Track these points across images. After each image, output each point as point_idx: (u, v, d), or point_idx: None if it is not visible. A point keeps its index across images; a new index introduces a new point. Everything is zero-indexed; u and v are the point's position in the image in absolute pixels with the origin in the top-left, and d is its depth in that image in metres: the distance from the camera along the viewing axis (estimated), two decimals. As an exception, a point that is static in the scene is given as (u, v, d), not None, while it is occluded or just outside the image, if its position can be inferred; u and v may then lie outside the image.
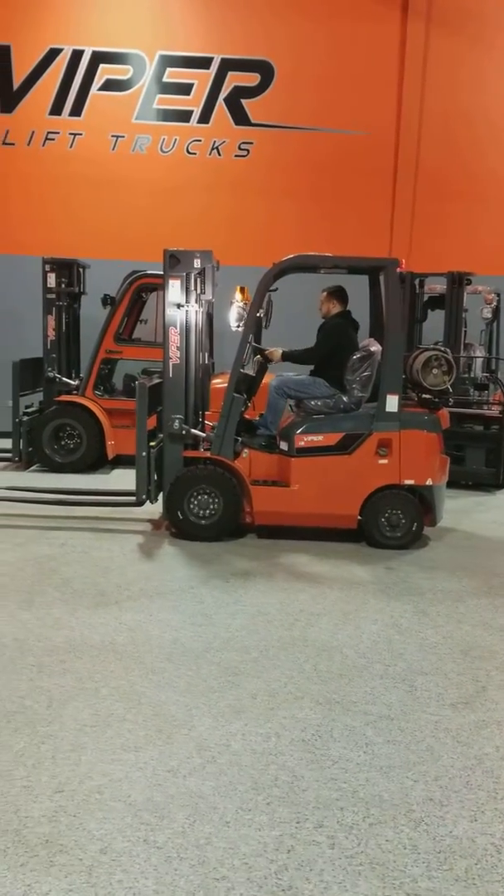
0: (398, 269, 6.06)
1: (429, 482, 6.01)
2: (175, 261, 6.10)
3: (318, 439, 6.03)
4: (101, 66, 10.76)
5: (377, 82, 10.96)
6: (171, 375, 6.15)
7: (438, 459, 6.15)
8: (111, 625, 4.36)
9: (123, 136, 10.90)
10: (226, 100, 10.95)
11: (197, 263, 6.13)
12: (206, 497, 6.04)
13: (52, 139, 10.83)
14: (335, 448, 6.01)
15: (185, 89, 10.91)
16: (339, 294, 6.52)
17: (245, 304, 6.46)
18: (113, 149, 10.92)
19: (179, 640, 4.18)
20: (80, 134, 10.85)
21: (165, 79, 10.87)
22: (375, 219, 11.17)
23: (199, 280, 6.23)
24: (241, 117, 11.00)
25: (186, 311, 6.17)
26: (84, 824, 2.66)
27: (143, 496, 6.13)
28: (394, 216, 11.18)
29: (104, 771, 2.97)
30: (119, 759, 3.06)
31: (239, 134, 11.01)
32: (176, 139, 10.97)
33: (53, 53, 10.68)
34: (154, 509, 6.47)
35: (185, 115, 10.96)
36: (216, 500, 6.03)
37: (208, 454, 6.09)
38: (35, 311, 9.12)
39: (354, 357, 6.21)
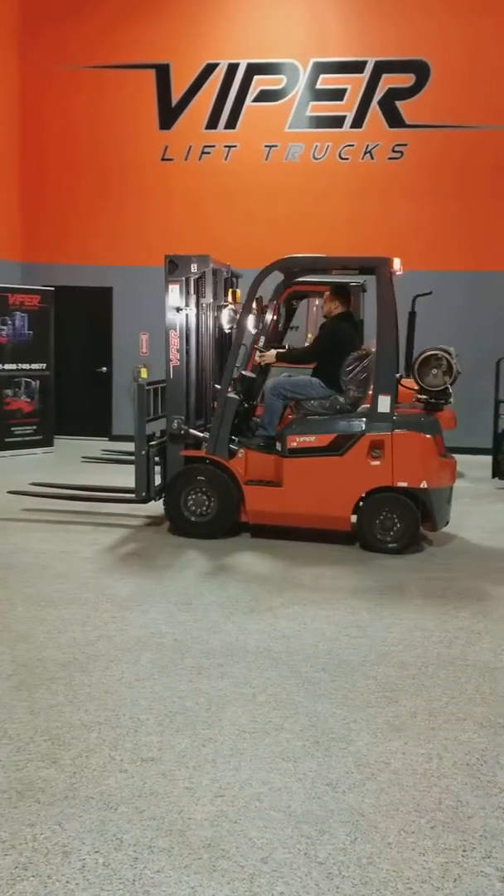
0: (390, 269, 5.93)
1: (423, 485, 5.79)
2: (174, 266, 6.22)
3: (310, 440, 5.98)
4: (256, 77, 10.96)
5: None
6: (171, 377, 6.27)
7: (435, 461, 5.88)
8: (266, 631, 4.39)
9: (276, 146, 11.04)
10: (379, 102, 10.86)
11: (194, 268, 6.22)
12: (201, 496, 6.12)
13: (208, 153, 11.13)
14: (327, 449, 5.94)
15: (338, 95, 10.91)
16: (341, 294, 6.44)
17: (236, 306, 6.47)
18: (266, 159, 11.08)
19: (334, 651, 4.14)
20: (235, 146, 11.09)
21: (318, 86, 10.92)
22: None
23: (198, 284, 6.34)
24: (395, 119, 10.86)
25: (186, 314, 6.29)
26: (245, 831, 2.68)
27: (143, 493, 6.24)
28: None
29: (263, 779, 2.98)
30: (277, 768, 3.06)
31: (393, 136, 10.88)
32: (328, 145, 10.98)
33: (210, 69, 11.00)
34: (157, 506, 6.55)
35: (337, 121, 10.95)
36: (211, 499, 6.10)
37: (205, 454, 6.15)
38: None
39: (350, 357, 6.10)
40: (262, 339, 6.86)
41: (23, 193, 11.41)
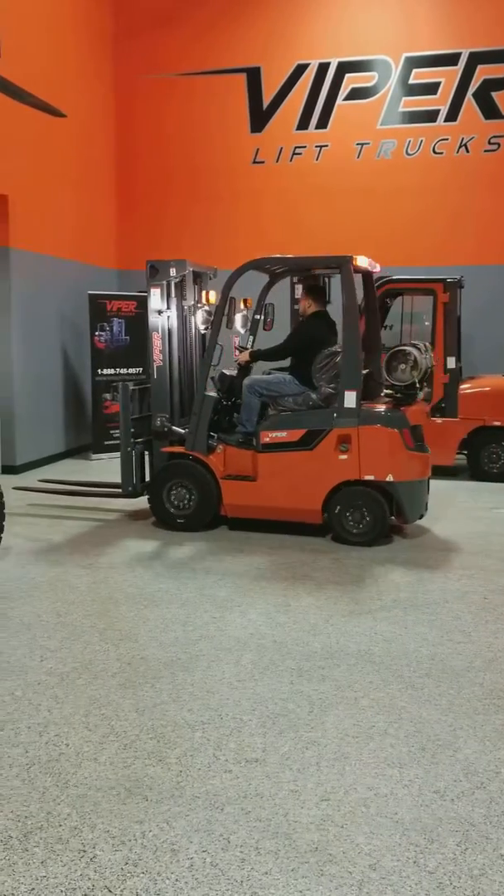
0: (351, 266, 5.99)
1: (390, 478, 5.90)
2: (154, 270, 6.50)
3: (281, 435, 6.15)
4: (347, 75, 10.86)
5: None
6: (155, 377, 6.56)
7: (403, 455, 5.97)
8: (367, 634, 4.34)
9: (368, 143, 10.92)
10: (474, 94, 10.57)
11: (173, 272, 6.49)
12: (182, 490, 6.37)
13: (300, 154, 11.11)
14: (298, 444, 6.11)
15: (431, 89, 10.69)
16: (316, 292, 6.54)
17: (210, 306, 6.59)
18: (358, 157, 10.97)
19: (438, 657, 4.06)
20: (326, 145, 11.03)
21: (411, 80, 10.73)
22: None
23: (179, 288, 6.63)
24: (491, 111, 10.55)
25: (168, 316, 6.56)
26: (352, 836, 2.65)
27: (130, 488, 6.55)
28: None
29: (369, 784, 2.94)
30: (383, 773, 3.02)
31: (489, 128, 10.57)
32: (422, 140, 10.78)
33: (300, 69, 10.97)
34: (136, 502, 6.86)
35: (431, 115, 10.74)
36: (191, 493, 6.32)
37: (186, 450, 6.38)
38: (286, 322, 9.39)
39: (322, 354, 6.15)
40: (251, 338, 7.03)
41: (118, 201, 11.70)
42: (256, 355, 6.64)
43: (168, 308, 6.59)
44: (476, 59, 10.51)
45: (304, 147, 11.10)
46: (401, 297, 9.70)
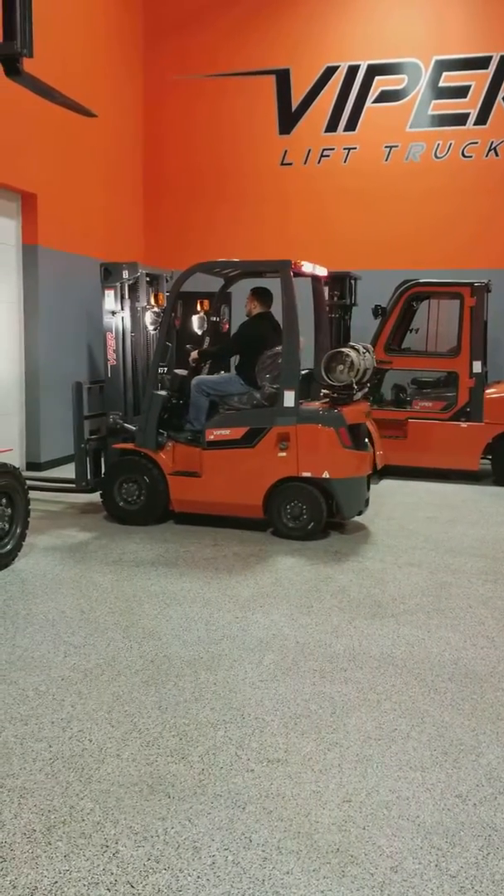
0: (291, 270, 6.17)
1: (326, 475, 6.08)
2: (108, 273, 6.83)
3: (225, 433, 6.36)
4: (377, 78, 10.87)
5: None
6: (109, 376, 6.88)
7: (340, 453, 6.10)
8: (389, 637, 4.33)
9: (397, 146, 10.90)
10: (505, 98, 10.53)
11: (125, 274, 6.81)
12: (132, 485, 6.57)
13: (328, 156, 11.12)
14: (240, 441, 6.31)
15: (461, 92, 10.66)
16: (260, 294, 6.74)
17: (159, 308, 6.74)
18: (386, 159, 10.96)
19: (461, 661, 4.04)
20: (355, 148, 11.03)
21: (441, 84, 10.71)
22: None
23: (133, 290, 6.87)
24: (521, 114, 10.50)
25: (122, 317, 6.85)
26: (374, 839, 2.65)
27: (83, 483, 6.84)
28: None
29: (391, 787, 2.94)
30: (405, 776, 3.01)
31: (519, 132, 10.52)
32: (451, 143, 10.75)
33: (330, 71, 10.99)
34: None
35: (460, 119, 10.71)
36: (140, 489, 6.53)
37: (135, 446, 6.56)
38: (311, 323, 9.39)
39: (266, 354, 6.36)
40: (207, 339, 7.30)
41: (146, 202, 11.76)
42: (204, 355, 6.95)
43: (122, 309, 6.86)
44: (507, 62, 10.46)
45: (333, 149, 11.10)
46: (427, 300, 9.69)
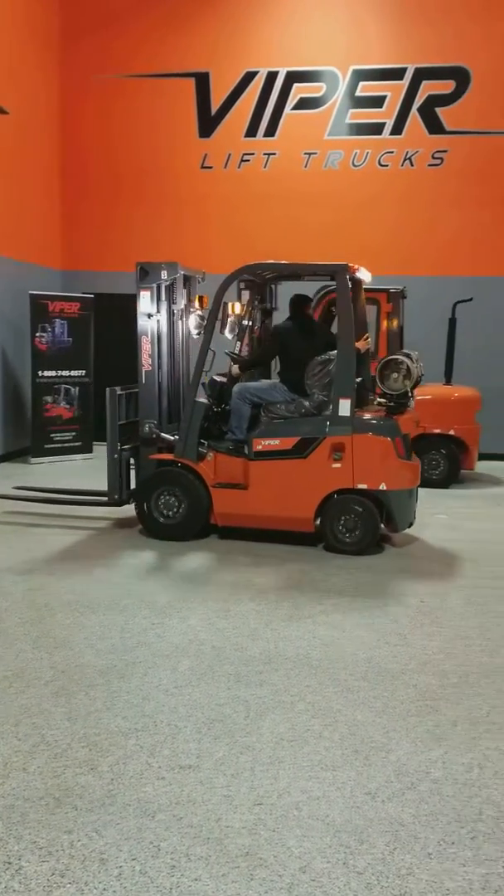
0: (348, 274, 5.99)
1: (382, 486, 5.89)
2: (144, 273, 6.38)
3: (274, 443, 6.09)
4: (296, 85, 10.97)
5: None
6: (143, 382, 6.42)
7: (395, 464, 5.94)
8: (305, 639, 4.35)
9: (316, 153, 11.03)
10: (419, 109, 10.79)
11: (164, 275, 6.39)
12: (170, 498, 6.23)
13: (248, 161, 11.17)
14: (291, 452, 6.05)
15: (377, 102, 10.87)
16: (294, 301, 6.56)
17: (203, 311, 6.54)
18: (305, 166, 11.08)
19: (374, 660, 4.10)
20: (274, 154, 11.11)
21: (358, 93, 10.89)
22: None
23: (169, 291, 6.49)
24: (435, 126, 10.78)
25: (158, 320, 6.42)
26: (283, 840, 2.65)
27: (116, 496, 6.41)
28: None
29: (302, 787, 2.95)
30: (317, 776, 3.03)
31: (433, 143, 10.80)
32: (368, 152, 10.94)
33: (249, 76, 11.04)
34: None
35: (377, 128, 10.91)
36: (180, 502, 6.19)
37: (174, 457, 6.25)
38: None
39: (315, 361, 6.16)
40: (239, 343, 7.03)
41: (63, 202, 11.57)
42: (243, 365, 6.63)
43: (158, 312, 6.45)
44: (421, 74, 10.73)
45: (253, 154, 11.16)
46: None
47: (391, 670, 3.97)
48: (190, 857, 2.55)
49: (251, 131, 11.12)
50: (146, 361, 6.43)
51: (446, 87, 10.70)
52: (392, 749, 3.24)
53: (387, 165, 10.94)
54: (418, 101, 10.77)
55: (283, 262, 6.73)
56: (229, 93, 11.09)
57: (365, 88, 10.88)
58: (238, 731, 3.34)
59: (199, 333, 6.53)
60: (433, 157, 10.82)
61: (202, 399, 6.34)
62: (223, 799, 2.87)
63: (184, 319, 6.76)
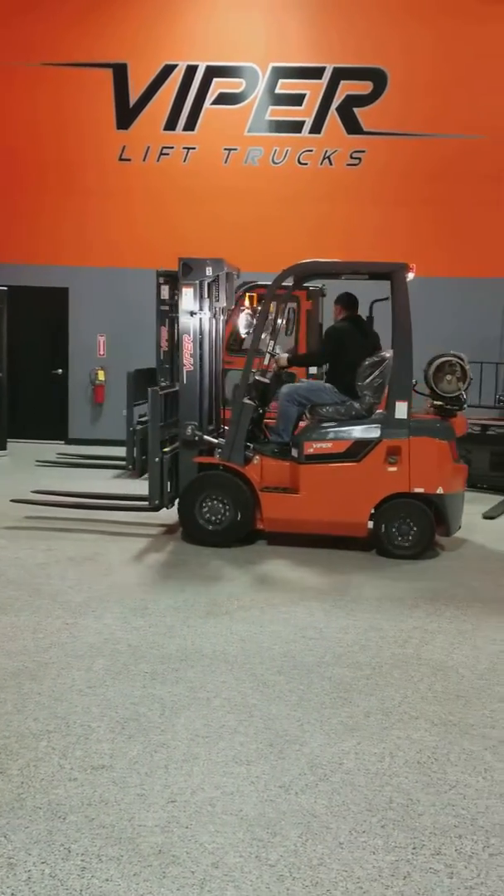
0: (407, 274, 5.94)
1: (439, 490, 5.84)
2: (188, 269, 6.14)
3: (327, 446, 5.98)
4: (215, 80, 10.95)
5: (492, 84, 10.66)
6: (185, 382, 6.20)
7: (450, 467, 5.94)
8: (223, 635, 4.36)
9: (236, 149, 11.04)
10: (338, 109, 10.93)
11: (209, 271, 6.15)
12: (216, 503, 6.06)
13: (167, 154, 11.09)
14: (344, 455, 5.94)
15: (297, 100, 10.95)
16: (343, 301, 6.49)
17: (253, 310, 6.42)
18: (225, 162, 11.08)
19: (291, 654, 4.14)
20: (194, 148, 11.07)
21: (278, 90, 10.95)
22: (494, 225, 10.84)
23: (212, 288, 6.25)
24: (353, 126, 10.94)
25: (200, 318, 6.21)
26: (196, 836, 2.65)
27: (157, 501, 6.16)
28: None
29: (217, 783, 2.96)
30: (231, 771, 3.04)
31: (351, 143, 10.95)
32: (288, 150, 11.02)
33: (168, 69, 10.96)
34: (171, 514, 6.48)
35: (297, 126, 11.00)
36: (226, 507, 6.03)
37: (219, 460, 6.11)
38: (149, 322, 9.33)
39: (365, 363, 6.12)
40: (272, 343, 6.79)
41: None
42: (292, 360, 6.43)
43: (200, 310, 6.22)
44: (340, 74, 10.87)
45: (172, 148, 11.09)
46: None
47: (307, 664, 4.02)
48: (101, 857, 2.52)
49: (170, 125, 11.05)
50: (188, 361, 6.19)
51: (364, 87, 10.87)
52: (306, 741, 3.27)
53: (306, 164, 11.04)
54: (337, 100, 10.91)
55: (336, 260, 6.55)
56: (148, 85, 10.99)
57: (284, 86, 10.95)
58: (153, 730, 3.32)
59: (248, 333, 6.32)
60: (351, 157, 10.98)
61: (250, 401, 6.12)
62: (136, 798, 2.85)
63: (221, 318, 6.50)
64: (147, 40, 10.89)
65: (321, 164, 11.01)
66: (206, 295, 6.23)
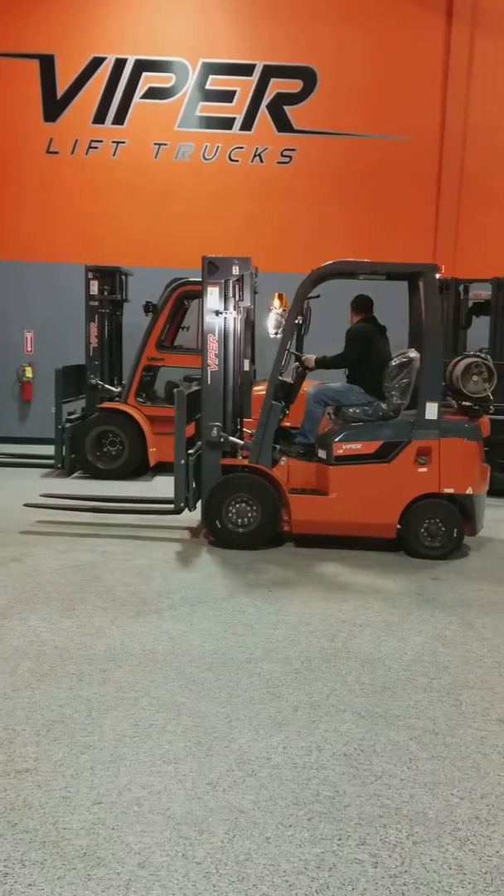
0: (437, 275, 5.97)
1: (469, 491, 5.91)
2: (213, 268, 6.09)
3: (356, 447, 5.96)
4: (144, 74, 10.84)
5: (421, 87, 10.86)
6: (209, 383, 6.14)
7: (479, 468, 6.03)
8: (152, 634, 4.33)
9: (167, 144, 10.97)
10: (268, 107, 10.95)
11: (235, 270, 6.09)
12: (243, 505, 6.01)
13: (96, 148, 10.94)
14: (374, 456, 5.94)
15: (227, 96, 10.93)
16: (359, 303, 6.50)
17: (283, 310, 6.44)
18: (156, 157, 10.99)
19: (220, 651, 4.14)
20: (124, 142, 10.94)
21: (208, 86, 10.91)
22: (420, 224, 11.06)
23: (237, 287, 6.18)
24: (283, 124, 10.98)
25: (225, 318, 6.15)
26: (122, 837, 2.63)
27: (182, 504, 6.09)
28: (438, 222, 11.05)
29: (144, 783, 2.94)
30: (159, 770, 3.02)
31: (282, 141, 11.00)
32: (218, 146, 11.00)
33: (97, 62, 10.80)
34: (192, 517, 6.45)
35: (227, 123, 10.98)
36: (254, 509, 6.00)
37: (246, 462, 6.07)
38: (78, 318, 9.20)
39: (393, 364, 6.15)
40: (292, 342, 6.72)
41: None
42: (321, 362, 6.34)
43: (226, 309, 6.10)
44: (270, 72, 10.89)
45: (101, 141, 10.94)
46: (198, 299, 9.83)
47: (236, 660, 4.03)
48: (24, 862, 2.47)
49: (99, 118, 10.89)
50: (212, 361, 6.07)
51: (294, 86, 10.92)
52: (235, 738, 3.28)
53: (237, 161, 11.04)
54: (267, 98, 10.93)
55: (366, 261, 6.47)
56: (76, 77, 10.80)
57: (215, 82, 10.91)
58: (79, 731, 3.28)
59: (276, 333, 6.25)
60: (282, 155, 11.02)
61: (279, 402, 6.06)
62: (61, 801, 2.81)
63: (243, 318, 6.38)
64: (75, 32, 10.71)
65: (252, 161, 11.02)
66: (230, 294, 6.15)
